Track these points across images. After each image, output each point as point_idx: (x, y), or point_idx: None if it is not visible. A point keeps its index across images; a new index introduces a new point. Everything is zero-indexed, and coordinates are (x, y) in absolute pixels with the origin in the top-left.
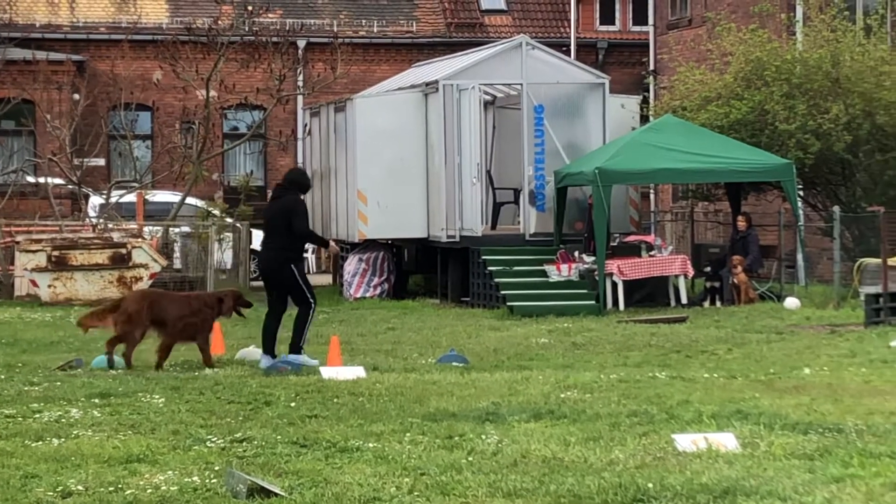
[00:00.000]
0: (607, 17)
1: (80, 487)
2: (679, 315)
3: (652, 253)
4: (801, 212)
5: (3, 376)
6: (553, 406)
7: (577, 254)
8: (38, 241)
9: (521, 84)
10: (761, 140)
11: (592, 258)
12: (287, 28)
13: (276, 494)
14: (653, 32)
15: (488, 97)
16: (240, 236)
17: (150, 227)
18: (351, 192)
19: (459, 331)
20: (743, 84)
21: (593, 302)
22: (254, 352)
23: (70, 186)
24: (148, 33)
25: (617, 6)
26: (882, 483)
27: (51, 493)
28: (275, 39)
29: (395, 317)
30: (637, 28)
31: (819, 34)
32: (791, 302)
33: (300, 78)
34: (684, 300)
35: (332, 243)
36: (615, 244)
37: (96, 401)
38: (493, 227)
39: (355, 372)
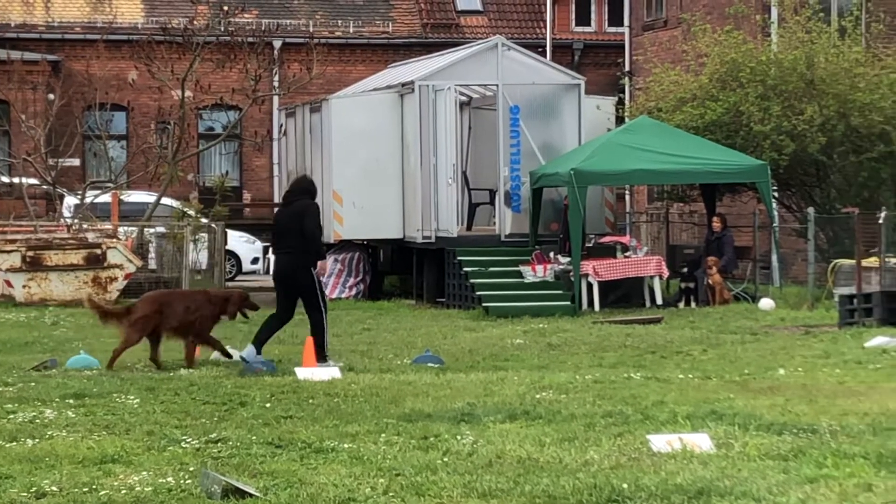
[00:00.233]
0: (583, 18)
1: (54, 488)
2: (654, 316)
3: (627, 254)
4: (775, 213)
5: None
6: (528, 407)
7: (552, 255)
8: (13, 241)
9: (497, 85)
10: (736, 141)
11: (568, 259)
12: (263, 28)
13: (250, 495)
14: (628, 33)
15: (464, 98)
16: (215, 237)
17: (125, 228)
18: (326, 193)
19: (435, 331)
20: (718, 85)
21: (568, 303)
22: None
23: (45, 187)
24: (123, 33)
25: (592, 7)
26: (856, 483)
27: (25, 494)
28: (250, 40)
29: (371, 317)
30: (612, 29)
31: (794, 36)
32: (766, 303)
33: (276, 78)
34: (659, 301)
35: (322, 263)
36: (590, 245)
37: (71, 401)
38: (469, 227)
39: (331, 372)
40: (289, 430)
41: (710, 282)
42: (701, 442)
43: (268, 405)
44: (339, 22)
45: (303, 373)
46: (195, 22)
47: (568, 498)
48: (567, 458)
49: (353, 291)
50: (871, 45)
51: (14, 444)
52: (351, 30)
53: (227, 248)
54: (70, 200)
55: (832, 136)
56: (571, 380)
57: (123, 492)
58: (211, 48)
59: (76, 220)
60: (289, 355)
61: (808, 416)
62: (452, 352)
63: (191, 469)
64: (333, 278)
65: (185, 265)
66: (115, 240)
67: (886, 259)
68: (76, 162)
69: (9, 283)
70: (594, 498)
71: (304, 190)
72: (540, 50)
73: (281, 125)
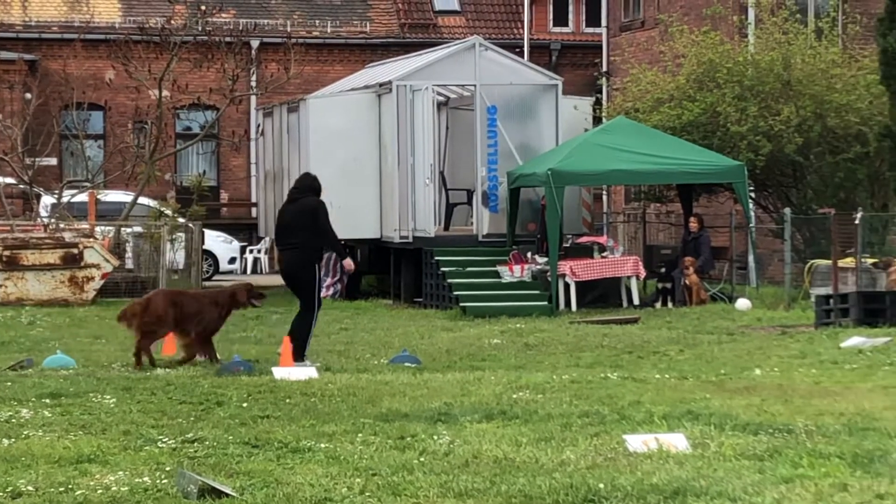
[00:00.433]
0: (560, 19)
1: (30, 488)
2: (631, 316)
3: (604, 254)
4: (752, 213)
5: None
6: (505, 407)
7: (529, 255)
8: None
9: (475, 85)
10: (713, 142)
11: (545, 259)
12: (240, 28)
13: (227, 495)
14: (606, 34)
15: (442, 98)
16: (192, 236)
17: (102, 227)
18: None
19: (412, 331)
20: (695, 86)
21: (546, 303)
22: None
23: (21, 186)
24: (100, 33)
25: (570, 8)
26: (831, 483)
27: (0, 494)
28: (228, 39)
29: (348, 317)
30: (590, 30)
31: (771, 37)
32: (742, 303)
33: (253, 78)
34: (636, 301)
35: (349, 261)
36: (568, 245)
37: (47, 401)
38: (446, 227)
39: (308, 372)
40: (265, 429)
41: (687, 282)
42: (677, 442)
43: (244, 405)
44: (317, 22)
45: (280, 372)
46: (172, 21)
47: (544, 498)
48: (543, 457)
49: (331, 291)
50: (847, 46)
51: None
52: (328, 30)
53: (204, 247)
54: (47, 200)
55: (809, 136)
56: (548, 380)
57: (99, 492)
58: (188, 48)
59: (53, 220)
60: (266, 355)
61: (783, 416)
62: (429, 352)
63: (167, 469)
64: None
65: (162, 265)
66: (91, 239)
67: (862, 260)
68: (53, 161)
69: None
70: (570, 498)
71: (308, 187)
72: (517, 50)
73: (258, 125)
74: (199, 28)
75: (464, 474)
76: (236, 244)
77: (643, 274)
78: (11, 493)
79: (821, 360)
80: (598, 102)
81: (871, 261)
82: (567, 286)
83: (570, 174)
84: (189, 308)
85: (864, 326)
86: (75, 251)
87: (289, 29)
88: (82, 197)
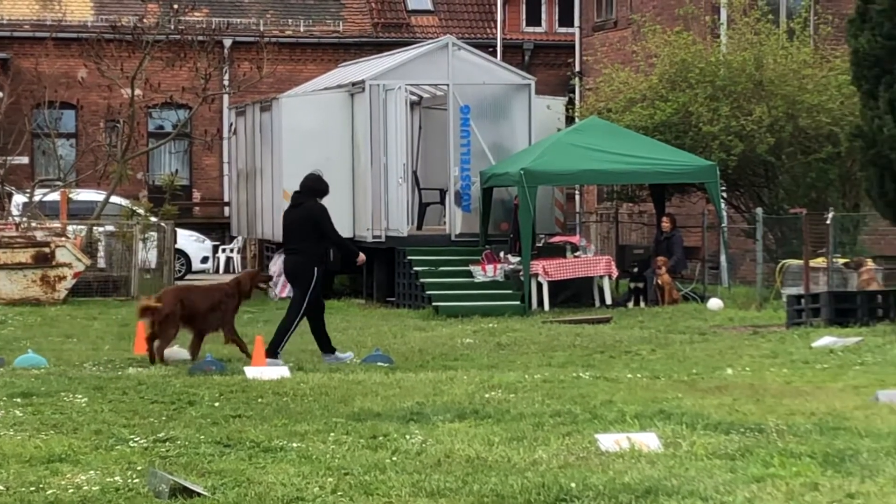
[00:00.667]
0: (533, 19)
1: (1, 487)
2: (603, 316)
3: (577, 254)
4: (724, 213)
5: None
6: (477, 406)
7: (502, 254)
8: None
9: (448, 84)
10: (685, 142)
11: (518, 259)
12: (213, 27)
13: (198, 494)
14: (578, 34)
15: (415, 97)
16: (164, 236)
17: (74, 226)
18: (276, 192)
19: (385, 331)
20: (667, 86)
21: (518, 302)
22: (179, 352)
23: None
24: (72, 31)
25: (543, 7)
26: (802, 483)
27: None
28: (200, 38)
29: None
30: (563, 29)
31: (743, 37)
32: (714, 303)
33: (226, 77)
34: (608, 301)
35: (361, 255)
36: (540, 245)
37: (18, 400)
38: (419, 227)
39: (280, 372)
40: (237, 429)
41: (659, 282)
42: (649, 441)
43: (216, 404)
44: (290, 21)
45: (252, 372)
46: (145, 20)
47: (516, 497)
48: (515, 457)
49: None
50: (819, 46)
51: None
52: (301, 29)
53: (176, 246)
54: (18, 199)
55: (780, 136)
56: (520, 379)
57: (71, 491)
58: (161, 46)
59: (24, 219)
60: (238, 354)
61: (755, 415)
62: (402, 351)
63: (139, 468)
64: (284, 277)
65: (134, 264)
66: (63, 238)
67: (834, 260)
68: (25, 160)
69: None
70: (542, 497)
71: (310, 190)
72: (490, 50)
73: (231, 124)
74: (172, 27)
75: (436, 473)
76: (209, 243)
77: (616, 273)
78: None
79: (792, 359)
80: (570, 102)
81: (842, 261)
82: (539, 286)
83: (543, 174)
84: (201, 305)
85: (836, 326)
86: (47, 250)
87: (262, 28)
88: (54, 196)
